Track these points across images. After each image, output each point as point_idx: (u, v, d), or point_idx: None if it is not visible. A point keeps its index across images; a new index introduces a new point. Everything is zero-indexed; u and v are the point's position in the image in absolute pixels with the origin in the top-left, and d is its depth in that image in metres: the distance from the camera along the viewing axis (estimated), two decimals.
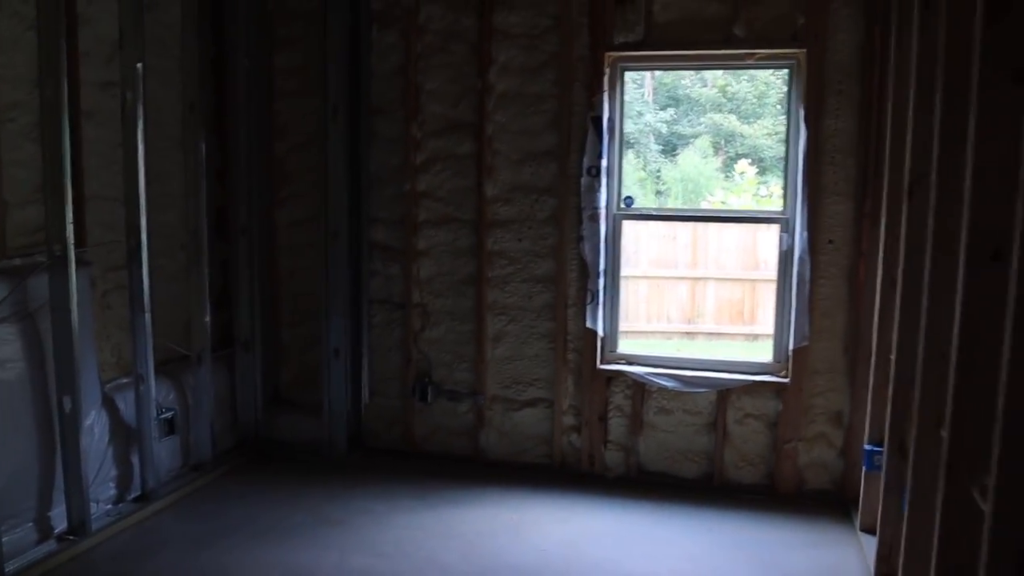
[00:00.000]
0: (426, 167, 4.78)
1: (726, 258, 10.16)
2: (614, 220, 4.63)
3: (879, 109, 3.97)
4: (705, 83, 13.30)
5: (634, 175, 13.20)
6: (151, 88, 4.11)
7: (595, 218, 4.54)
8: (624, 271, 8.87)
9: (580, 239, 4.57)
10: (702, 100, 13.53)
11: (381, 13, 4.75)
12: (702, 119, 13.50)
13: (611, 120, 4.51)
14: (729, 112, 13.10)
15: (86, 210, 3.83)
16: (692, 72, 11.40)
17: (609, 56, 4.41)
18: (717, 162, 13.50)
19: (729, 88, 13.06)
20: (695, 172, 13.26)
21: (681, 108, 13.56)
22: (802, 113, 4.21)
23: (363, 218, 4.85)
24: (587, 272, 4.59)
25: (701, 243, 10.24)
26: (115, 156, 4.06)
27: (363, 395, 4.97)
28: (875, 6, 4.03)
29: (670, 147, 13.61)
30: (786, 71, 4.41)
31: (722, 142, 13.39)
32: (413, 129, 4.73)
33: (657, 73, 11.05)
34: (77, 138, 3.72)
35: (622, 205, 4.66)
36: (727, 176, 13.00)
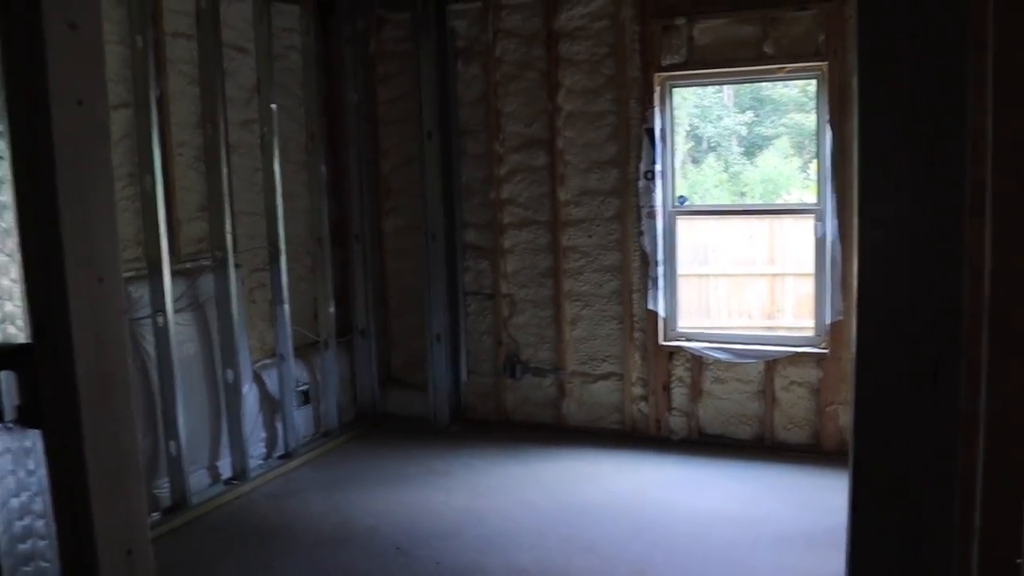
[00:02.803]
0: (508, 178, 5.62)
1: (802, 254, 10.60)
2: (669, 217, 5.36)
3: None
4: (788, 83, 13.55)
5: (715, 178, 13.66)
6: (279, 122, 5.07)
7: (652, 215, 5.28)
8: (704, 269, 9.41)
9: (640, 234, 5.32)
10: (783, 100, 13.81)
11: (464, 49, 5.62)
12: (783, 120, 13.79)
13: (663, 130, 5.25)
14: (811, 111, 13.27)
15: (235, 224, 4.81)
16: None
17: (658, 76, 5.16)
18: (798, 162, 13.81)
19: (810, 88, 13.20)
20: (775, 173, 13.59)
21: (764, 109, 13.87)
22: (827, 116, 4.86)
23: (456, 223, 5.71)
24: (648, 262, 5.33)
25: (778, 240, 10.70)
26: (254, 179, 5.04)
27: (461, 374, 5.82)
28: None
29: (751, 148, 13.93)
30: (813, 81, 5.06)
31: (804, 141, 13.67)
32: (495, 146, 5.58)
33: None
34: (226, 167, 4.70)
35: (676, 203, 5.39)
36: (805, 176, 13.30)
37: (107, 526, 1.22)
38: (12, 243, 1.35)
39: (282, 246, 4.99)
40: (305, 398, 5.33)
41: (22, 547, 1.38)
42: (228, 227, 4.55)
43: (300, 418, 5.26)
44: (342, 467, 5.06)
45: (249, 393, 4.87)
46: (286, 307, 5.02)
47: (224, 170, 4.54)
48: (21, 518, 1.38)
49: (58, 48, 1.07)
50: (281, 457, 5.10)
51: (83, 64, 1.11)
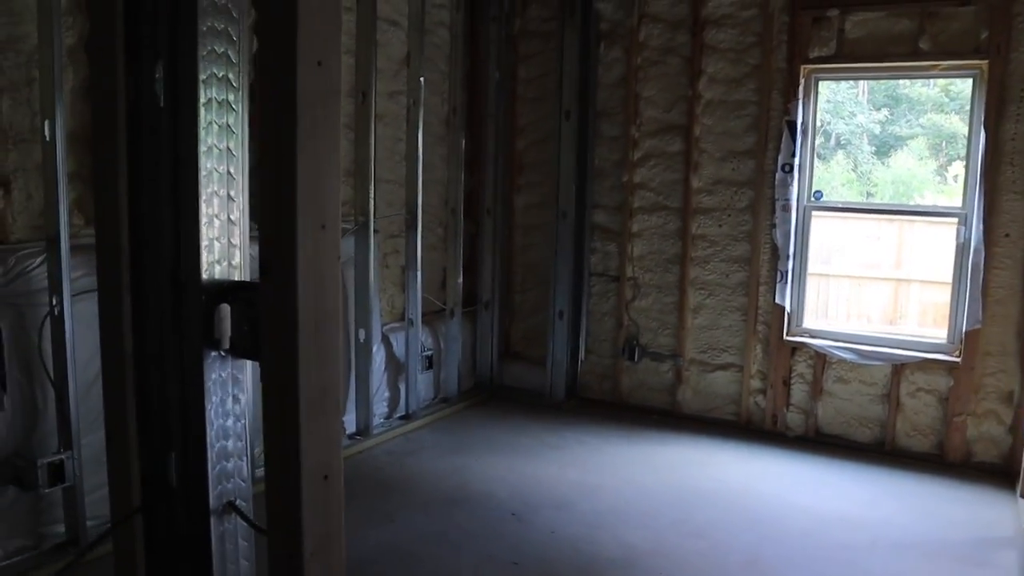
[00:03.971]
0: (641, 162, 5.63)
1: (932, 260, 10.21)
2: (804, 211, 5.28)
3: None
4: (927, 82, 13.01)
5: (842, 176, 13.25)
6: (424, 95, 5.23)
7: (787, 208, 5.21)
8: (826, 269, 9.16)
9: (773, 226, 5.26)
10: (922, 99, 13.26)
11: (607, 32, 5.66)
12: (920, 120, 13.25)
13: (804, 123, 5.16)
14: (952, 112, 12.71)
15: (377, 191, 5.00)
16: None
17: (805, 68, 5.07)
18: (934, 164, 13.25)
19: (953, 87, 12.63)
20: (907, 174, 13.08)
21: (900, 108, 13.36)
22: (983, 117, 4.69)
23: (587, 204, 5.77)
24: (778, 255, 5.27)
25: (907, 244, 10.34)
26: (396, 149, 5.22)
27: (580, 352, 5.91)
28: None
29: (884, 148, 13.44)
30: (970, 79, 4.88)
31: (942, 144, 13.10)
32: (631, 130, 5.61)
33: None
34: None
35: (812, 198, 5.30)
36: (941, 179, 12.75)
37: (310, 452, 1.35)
38: (237, 188, 1.50)
39: (419, 215, 5.16)
40: (428, 363, 5.52)
41: (226, 465, 1.54)
42: (372, 192, 4.74)
43: (422, 382, 5.45)
44: (459, 432, 5.23)
45: (377, 353, 5.07)
46: (418, 274, 5.20)
47: (371, 139, 4.72)
48: (226, 438, 1.54)
49: (306, 13, 1.19)
50: (402, 418, 5.31)
51: (324, 27, 1.23)
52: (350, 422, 4.93)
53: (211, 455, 1.49)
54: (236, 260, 1.49)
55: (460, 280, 5.64)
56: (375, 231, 4.91)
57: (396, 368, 5.28)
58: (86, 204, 3.42)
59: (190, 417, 1.51)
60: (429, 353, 5.51)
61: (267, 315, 1.34)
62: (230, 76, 1.33)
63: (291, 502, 1.34)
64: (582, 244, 5.78)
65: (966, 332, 4.85)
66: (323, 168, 1.27)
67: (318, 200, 1.28)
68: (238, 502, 1.52)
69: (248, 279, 1.51)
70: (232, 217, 1.46)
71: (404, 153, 5.20)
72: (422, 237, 5.25)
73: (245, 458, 1.59)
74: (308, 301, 1.30)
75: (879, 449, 5.10)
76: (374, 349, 4.99)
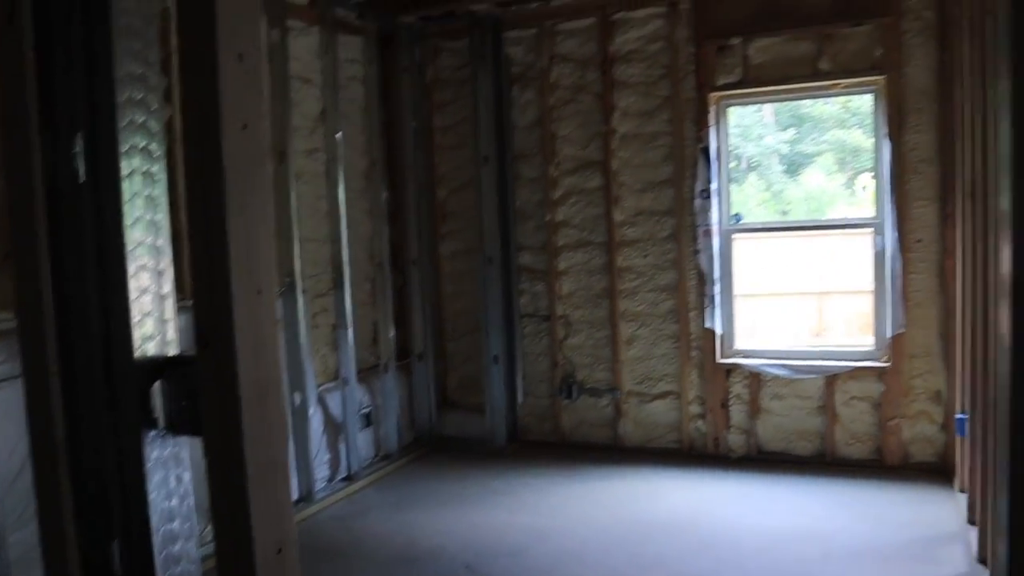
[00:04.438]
0: (563, 200, 5.70)
1: (852, 271, 10.52)
2: (725, 235, 5.40)
3: (954, 123, 4.59)
4: (828, 100, 13.48)
5: (757, 197, 13.63)
6: (342, 150, 5.19)
7: (709, 233, 5.32)
8: (752, 289, 9.33)
9: (696, 252, 5.36)
10: (824, 117, 13.77)
11: (520, 75, 5.74)
12: (825, 137, 13.75)
13: (717, 149, 5.30)
14: (853, 127, 13.22)
15: (301, 250, 4.92)
16: None
17: (713, 96, 5.23)
18: (842, 178, 13.73)
19: (851, 103, 13.13)
20: (818, 190, 13.53)
21: (805, 127, 13.84)
22: (886, 130, 4.89)
23: (512, 246, 5.79)
24: (704, 280, 5.36)
25: (826, 258, 10.63)
26: (317, 207, 5.16)
27: (518, 395, 5.88)
28: (946, 35, 4.67)
29: (793, 166, 13.88)
30: (869, 95, 5.09)
31: (848, 158, 13.60)
32: (550, 170, 5.67)
33: None
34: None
35: (731, 221, 5.43)
36: (851, 192, 13.22)
37: (262, 525, 1.29)
38: (165, 260, 1.45)
39: (346, 271, 5.10)
40: (366, 421, 5.42)
41: (173, 549, 1.46)
42: (296, 252, 4.67)
43: (362, 441, 5.35)
44: (404, 488, 5.13)
45: (314, 416, 4.96)
46: (349, 331, 5.12)
47: (292, 198, 4.66)
48: (171, 520, 1.46)
49: (229, 77, 1.17)
50: (344, 479, 5.18)
51: (248, 91, 1.21)
52: (292, 489, 4.79)
53: (156, 540, 1.42)
54: (170, 335, 1.43)
55: (392, 334, 5.58)
56: (302, 291, 4.83)
57: (334, 429, 5.17)
58: (3, 287, 3.27)
59: (131, 501, 1.44)
60: (367, 410, 5.41)
61: (207, 388, 1.29)
62: (151, 146, 1.29)
63: None
64: (510, 287, 5.79)
65: (891, 337, 5.00)
66: (255, 232, 1.24)
67: (252, 265, 1.25)
68: None
69: (183, 353, 1.45)
70: (163, 291, 1.41)
71: (326, 210, 5.15)
72: (350, 294, 5.19)
73: (193, 539, 1.52)
74: (249, 370, 1.25)
75: (821, 460, 5.19)
76: (310, 412, 4.88)
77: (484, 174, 5.60)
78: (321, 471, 5.04)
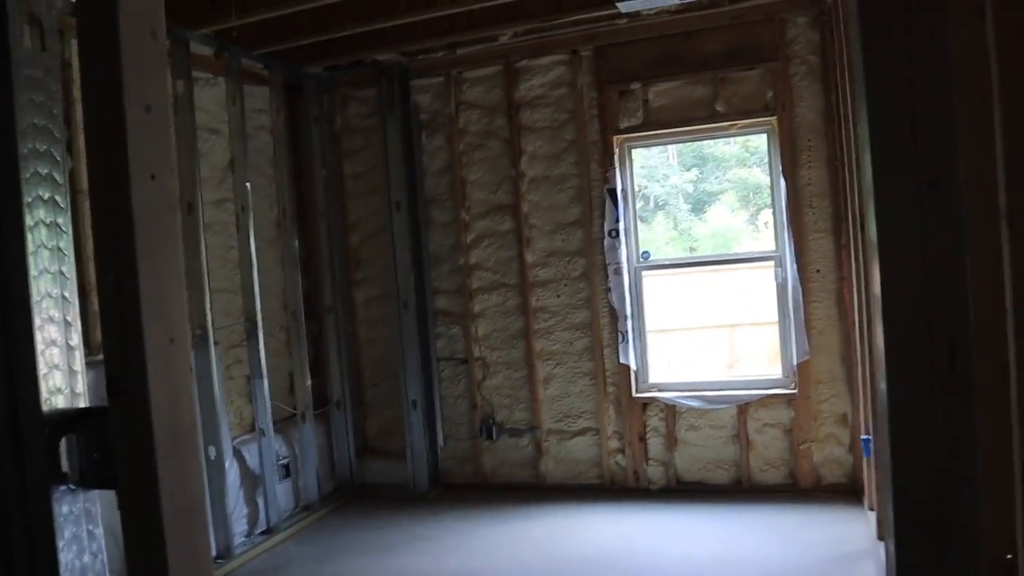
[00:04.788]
0: (475, 244, 5.76)
1: (758, 304, 10.85)
2: (635, 272, 5.55)
3: (844, 158, 4.85)
4: (728, 141, 13.99)
5: (665, 235, 13.99)
6: (252, 200, 5.16)
7: (619, 271, 5.45)
8: (663, 324, 9.51)
9: (608, 290, 5.48)
10: (726, 157, 14.27)
11: (428, 121, 5.82)
12: (728, 175, 14.23)
13: (623, 189, 5.47)
14: (753, 165, 13.73)
15: (212, 301, 4.85)
16: None
17: (617, 138, 5.40)
18: (745, 214, 14.22)
19: (751, 143, 13.63)
20: (724, 227, 13.97)
21: (708, 166, 14.31)
22: (780, 167, 5.12)
23: (427, 290, 5.82)
24: (617, 317, 5.48)
25: (734, 291, 10.95)
26: (228, 256, 5.10)
27: (438, 439, 5.87)
28: (829, 78, 4.95)
29: (698, 204, 14.31)
30: (764, 134, 5.34)
31: (750, 195, 14.09)
32: (462, 214, 5.74)
33: None
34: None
35: (640, 259, 5.58)
36: (754, 227, 13.69)
37: (180, 571, 1.28)
38: (72, 312, 1.43)
39: (259, 321, 5.03)
40: (285, 472, 5.32)
41: None
42: (208, 304, 4.60)
43: (281, 492, 5.24)
44: (326, 539, 5.04)
45: (230, 469, 4.85)
46: (264, 382, 5.04)
47: (202, 249, 4.60)
48: None
49: (137, 128, 1.18)
50: (263, 533, 5.06)
51: (156, 141, 1.22)
52: (210, 544, 4.64)
53: None
54: (79, 387, 1.42)
55: (309, 383, 5.51)
56: (215, 343, 4.74)
57: (252, 481, 5.06)
58: None
59: (40, 559, 1.40)
60: (285, 461, 5.32)
61: (120, 439, 1.28)
62: (56, 198, 1.29)
63: None
64: (427, 331, 5.80)
65: (797, 365, 5.18)
66: (166, 281, 1.25)
67: (164, 314, 1.25)
68: None
69: (93, 405, 1.44)
70: (71, 342, 1.40)
71: (237, 260, 5.09)
72: (264, 344, 5.12)
73: None
74: (164, 420, 1.25)
75: (737, 488, 5.32)
76: (226, 465, 4.77)
77: (396, 220, 5.63)
78: (239, 525, 4.92)
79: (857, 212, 4.17)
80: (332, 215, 5.86)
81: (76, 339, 1.42)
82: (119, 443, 1.28)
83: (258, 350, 5.03)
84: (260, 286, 5.13)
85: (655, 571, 4.20)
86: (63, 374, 1.38)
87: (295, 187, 5.72)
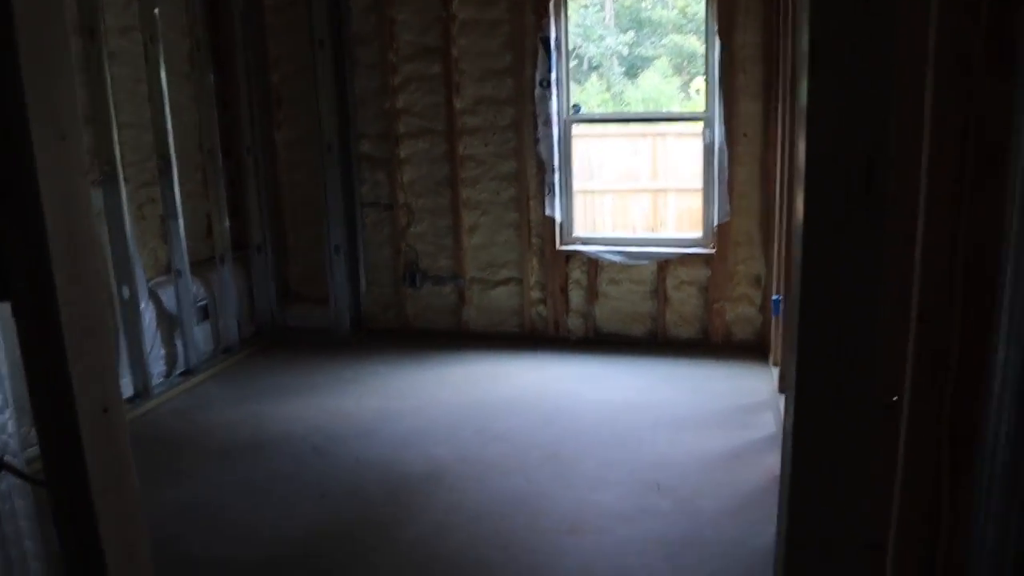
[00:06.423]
0: (403, 87, 5.57)
1: (684, 170, 10.93)
2: (564, 124, 5.47)
3: (780, 23, 4.77)
4: (666, 5, 13.73)
5: (597, 97, 13.82)
6: (161, 30, 4.84)
7: (548, 123, 5.37)
8: (589, 185, 9.55)
9: (537, 141, 5.40)
10: (663, 22, 14.00)
11: None
12: (664, 40, 14.01)
13: (558, 40, 5.31)
14: (689, 32, 13.54)
15: (120, 137, 4.61)
16: None
17: None
18: (678, 81, 14.11)
19: (689, 8, 13.40)
20: (656, 92, 13.87)
21: (643, 31, 14.05)
22: (716, 29, 5.03)
23: (352, 134, 5.65)
24: (544, 169, 5.43)
25: (661, 157, 11.00)
26: (137, 91, 4.82)
27: (361, 285, 5.85)
28: None
29: (632, 69, 14.13)
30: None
31: (684, 62, 13.94)
32: (389, 55, 5.52)
33: None
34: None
35: (571, 111, 5.49)
36: (686, 95, 13.62)
37: (84, 385, 1.24)
38: None
39: (172, 159, 4.83)
40: (203, 314, 5.25)
41: None
42: (115, 139, 4.37)
43: (200, 335, 5.19)
44: (247, 381, 5.05)
45: (146, 311, 4.76)
46: (180, 222, 4.89)
47: (107, 80, 4.33)
48: None
49: None
50: (183, 374, 5.04)
51: None
52: (126, 385, 4.61)
53: None
54: None
55: (227, 224, 5.37)
56: (124, 180, 4.55)
57: (169, 323, 4.98)
58: None
59: None
60: (203, 303, 5.24)
61: (11, 244, 1.21)
62: None
63: (70, 442, 1.24)
64: (351, 175, 5.67)
65: (717, 226, 5.27)
66: (55, 73, 1.15)
67: (52, 107, 1.16)
68: (7, 458, 1.39)
69: None
70: None
71: (146, 94, 4.82)
72: (179, 183, 4.93)
73: (6, 411, 1.45)
74: (58, 222, 1.18)
75: (653, 341, 5.48)
76: (142, 306, 4.68)
77: (319, 59, 5.39)
78: (157, 366, 4.88)
79: (788, 79, 4.15)
80: (251, 51, 5.56)
81: None
82: (9, 249, 1.21)
83: (172, 189, 4.85)
84: (173, 123, 4.89)
85: (571, 413, 4.35)
86: None
87: (210, 18, 5.38)
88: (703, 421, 4.23)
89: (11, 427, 1.46)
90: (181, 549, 3.12)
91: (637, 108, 13.38)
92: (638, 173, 11.02)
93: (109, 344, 1.31)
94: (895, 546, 1.71)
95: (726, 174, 5.17)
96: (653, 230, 11.05)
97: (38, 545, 1.45)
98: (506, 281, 5.66)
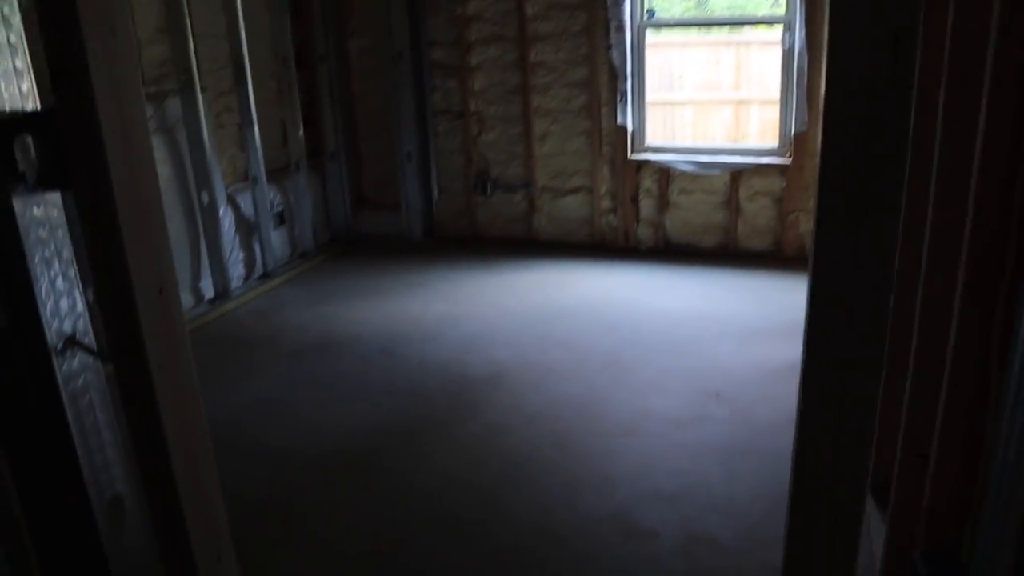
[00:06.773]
0: None
1: (768, 80, 10.56)
2: (638, 30, 5.33)
3: None
4: None
5: (680, 5, 13.38)
6: None
7: (621, 28, 5.24)
8: (670, 96, 9.35)
9: (609, 47, 5.30)
10: None
11: None
12: None
13: None
14: None
15: (197, 46, 4.71)
16: None
17: None
18: None
19: None
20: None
21: None
22: None
23: (423, 41, 5.63)
24: (616, 76, 5.34)
25: (744, 67, 10.64)
26: (212, 0, 4.89)
27: (433, 192, 5.91)
28: None
29: None
30: None
31: None
32: None
33: None
34: None
35: (645, 16, 5.35)
36: (774, 2, 13.05)
37: (140, 267, 1.33)
38: (11, 5, 1.39)
39: (247, 68, 4.91)
40: (280, 220, 5.41)
41: (58, 302, 1.49)
42: (192, 48, 4.47)
43: (276, 240, 5.36)
44: (321, 284, 5.22)
45: (225, 216, 4.92)
46: (255, 129, 5.00)
47: None
48: (51, 275, 1.49)
49: None
50: (260, 278, 5.23)
51: None
52: (208, 287, 4.83)
53: (39, 291, 1.45)
54: (24, 87, 1.40)
55: (301, 133, 5.47)
56: (202, 89, 4.66)
57: (248, 229, 5.16)
58: None
59: (8, 259, 1.45)
60: (279, 209, 5.39)
61: (69, 136, 1.28)
62: None
63: (129, 320, 1.33)
64: (422, 83, 5.68)
65: (794, 135, 5.12)
66: None
67: (102, 3, 1.21)
68: (77, 336, 1.49)
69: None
70: (11, 40, 1.37)
71: (221, 4, 4.89)
72: (254, 92, 5.02)
73: (75, 292, 1.55)
74: (111, 114, 1.25)
75: (724, 252, 5.43)
76: (220, 212, 4.84)
77: None
78: (236, 270, 5.07)
79: None
80: None
81: (15, 38, 1.38)
82: (68, 140, 1.29)
83: (248, 97, 4.95)
84: (247, 32, 4.96)
85: (634, 321, 4.37)
86: (5, 72, 1.36)
87: None
88: (768, 333, 4.20)
89: (80, 307, 1.57)
90: (254, 439, 3.31)
91: (721, 13, 12.91)
92: (720, 83, 10.72)
93: (163, 229, 1.39)
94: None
95: (805, 80, 4.99)
96: (735, 142, 10.79)
97: (108, 415, 1.58)
98: (576, 190, 5.64)
